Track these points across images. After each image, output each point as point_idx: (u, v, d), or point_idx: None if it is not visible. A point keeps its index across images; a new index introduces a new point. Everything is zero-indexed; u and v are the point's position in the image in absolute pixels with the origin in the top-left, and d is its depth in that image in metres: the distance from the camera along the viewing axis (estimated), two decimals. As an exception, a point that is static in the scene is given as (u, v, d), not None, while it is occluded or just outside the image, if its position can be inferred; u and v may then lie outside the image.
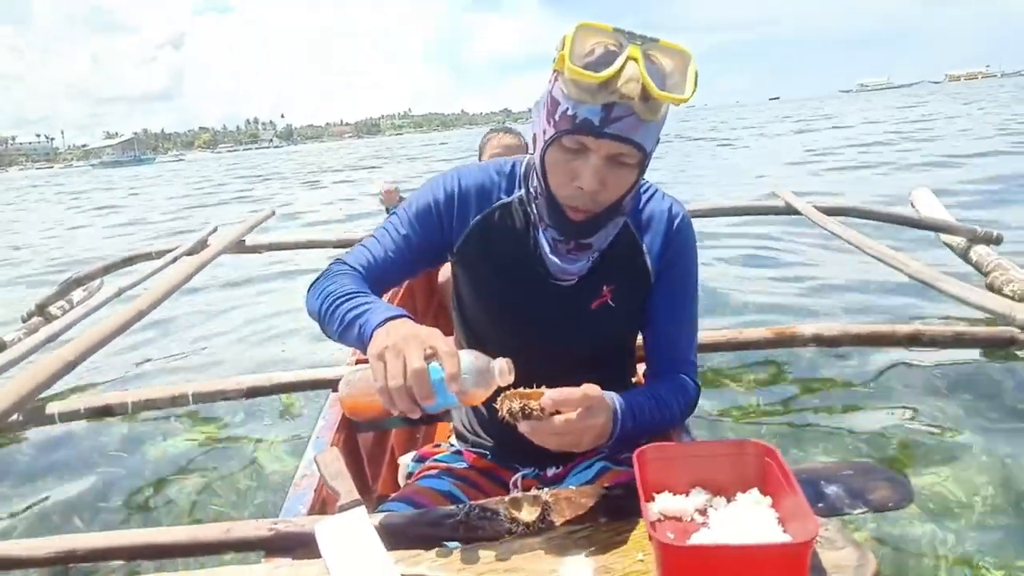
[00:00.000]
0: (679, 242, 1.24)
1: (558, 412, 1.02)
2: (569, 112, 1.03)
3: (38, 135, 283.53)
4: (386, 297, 1.31)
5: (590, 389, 1.05)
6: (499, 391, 1.01)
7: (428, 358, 0.93)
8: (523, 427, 1.01)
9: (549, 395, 1.01)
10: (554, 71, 1.07)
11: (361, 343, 1.04)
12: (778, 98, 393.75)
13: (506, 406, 1.01)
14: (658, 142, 1.11)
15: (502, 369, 0.98)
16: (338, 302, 1.11)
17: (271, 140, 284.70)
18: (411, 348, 0.92)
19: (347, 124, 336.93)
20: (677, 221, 1.24)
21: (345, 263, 1.22)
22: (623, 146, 1.03)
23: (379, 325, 1.01)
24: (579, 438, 1.04)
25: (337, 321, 1.10)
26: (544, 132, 1.09)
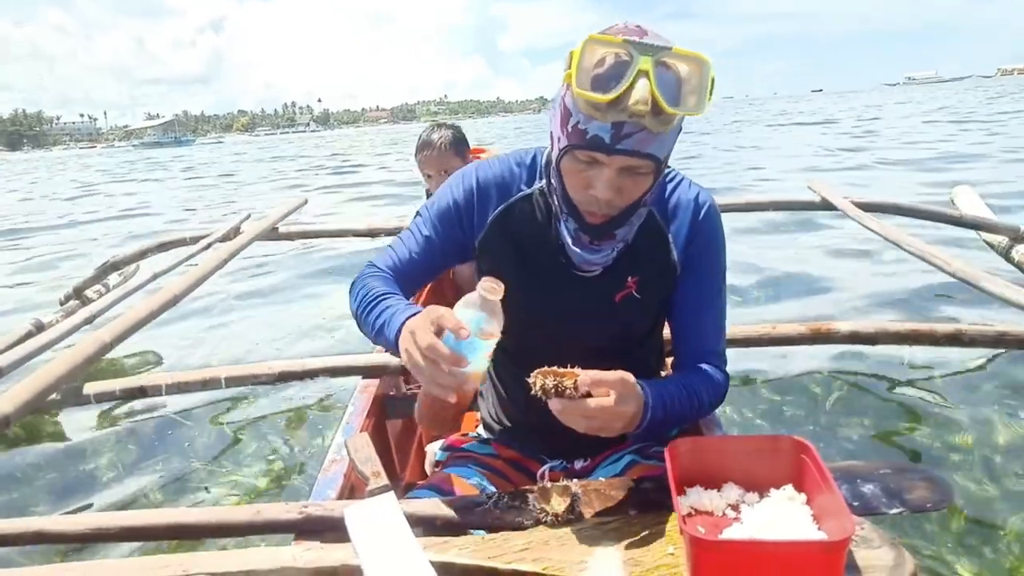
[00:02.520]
0: (706, 232, 1.22)
1: (590, 395, 1.00)
2: (580, 126, 1.02)
3: (81, 115, 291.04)
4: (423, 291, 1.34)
5: (626, 375, 1.03)
6: (533, 367, 1.00)
7: (438, 332, 0.97)
8: (554, 404, 0.99)
9: (586, 374, 0.99)
10: (565, 81, 1.05)
11: (393, 349, 1.09)
12: (821, 90, 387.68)
13: (539, 382, 0.99)
14: (679, 134, 1.09)
15: (487, 288, 0.98)
16: (369, 307, 1.17)
17: (308, 124, 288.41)
18: (419, 332, 0.97)
19: (383, 110, 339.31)
20: (704, 210, 1.22)
21: (375, 265, 1.26)
22: (636, 160, 1.02)
23: (398, 332, 1.05)
24: (609, 423, 1.02)
25: (370, 327, 1.17)
26: (559, 139, 1.08)
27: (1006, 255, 3.92)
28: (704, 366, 1.22)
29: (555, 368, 1.01)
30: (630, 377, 1.04)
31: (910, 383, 2.97)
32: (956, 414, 2.67)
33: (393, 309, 1.12)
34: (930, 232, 4.69)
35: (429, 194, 2.75)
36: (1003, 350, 2.94)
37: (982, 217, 4.18)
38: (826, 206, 4.00)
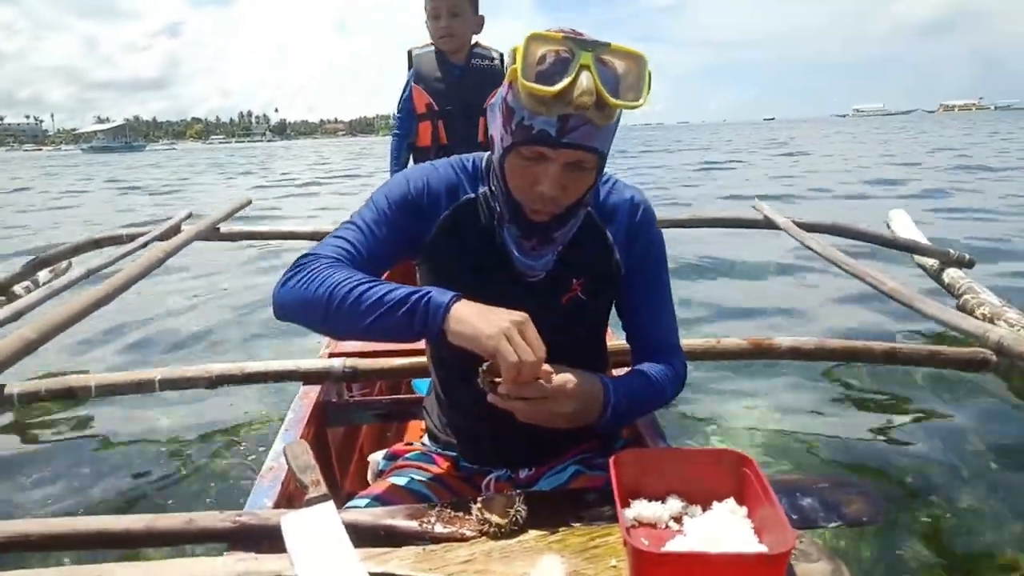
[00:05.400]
0: (645, 231, 1.25)
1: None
2: (525, 122, 1.03)
3: (27, 116, 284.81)
4: None
5: (556, 379, 1.06)
6: (481, 363, 1.04)
7: None
8: (490, 398, 1.05)
9: (505, 386, 1.02)
10: (508, 81, 1.06)
11: (420, 323, 1.02)
12: (773, 119, 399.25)
13: (481, 378, 1.04)
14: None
15: None
16: (358, 288, 1.04)
17: (264, 134, 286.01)
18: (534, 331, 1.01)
19: (341, 122, 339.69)
20: (641, 211, 1.25)
21: (321, 255, 1.12)
22: (581, 153, 1.04)
23: (453, 301, 1.03)
24: (547, 421, 1.08)
25: (364, 306, 1.03)
26: (502, 139, 1.08)
27: (936, 277, 4.08)
28: (663, 361, 1.26)
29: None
30: (569, 381, 1.08)
31: (847, 399, 3.06)
32: (891, 430, 2.76)
33: (405, 286, 1.04)
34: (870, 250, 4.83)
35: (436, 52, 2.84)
36: (935, 368, 3.06)
37: (915, 240, 4.35)
38: (769, 225, 4.10)
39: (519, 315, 1.01)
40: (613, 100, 1.00)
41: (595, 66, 0.99)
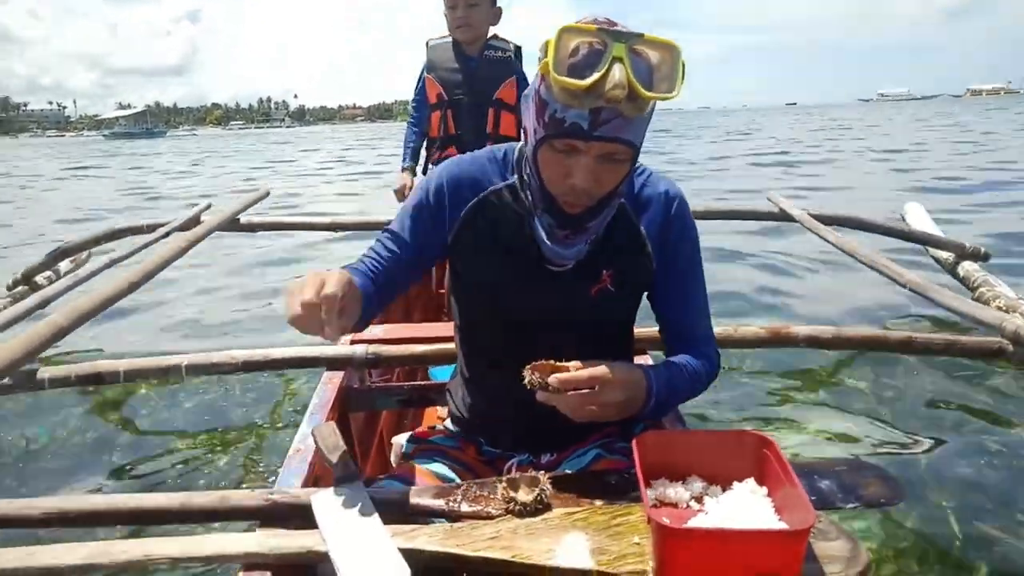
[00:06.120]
0: (679, 223, 1.25)
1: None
2: (557, 115, 1.03)
3: (50, 102, 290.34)
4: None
5: (598, 371, 1.08)
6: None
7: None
8: (540, 396, 1.07)
9: (556, 377, 1.06)
10: (540, 73, 1.06)
11: None
12: (795, 103, 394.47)
13: (528, 376, 1.07)
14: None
15: None
16: None
17: (283, 120, 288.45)
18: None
19: (359, 108, 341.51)
20: (675, 203, 1.25)
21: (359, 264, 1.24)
22: (614, 145, 1.04)
23: None
24: (598, 413, 1.09)
25: None
26: (535, 131, 1.09)
27: (952, 271, 4.05)
28: (698, 351, 1.27)
29: (552, 361, 1.09)
30: (603, 371, 1.08)
31: (864, 386, 3.07)
32: (908, 416, 2.77)
33: None
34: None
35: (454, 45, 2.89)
36: (951, 357, 3.07)
37: (930, 233, 4.31)
38: (784, 217, 4.09)
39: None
40: (646, 92, 1.00)
41: (628, 57, 0.99)
